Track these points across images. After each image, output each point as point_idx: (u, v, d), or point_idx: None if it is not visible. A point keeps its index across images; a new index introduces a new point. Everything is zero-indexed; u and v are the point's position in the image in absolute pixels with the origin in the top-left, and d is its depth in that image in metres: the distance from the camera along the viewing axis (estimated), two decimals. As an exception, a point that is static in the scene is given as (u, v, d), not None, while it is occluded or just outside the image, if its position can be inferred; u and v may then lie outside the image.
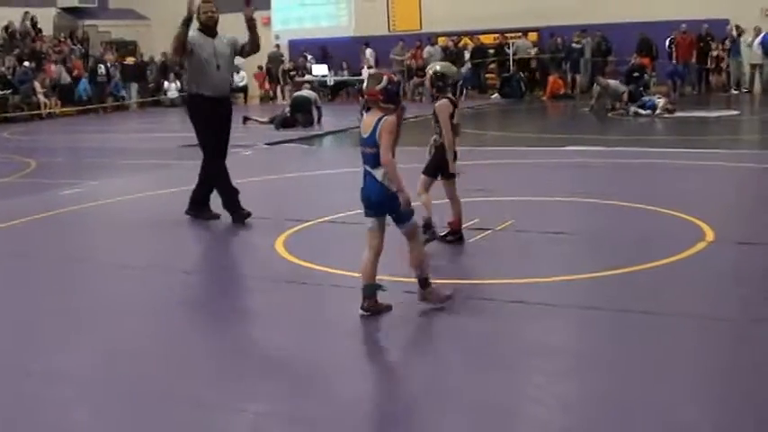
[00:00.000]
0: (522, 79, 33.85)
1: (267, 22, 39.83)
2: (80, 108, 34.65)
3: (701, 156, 15.47)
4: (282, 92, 36.49)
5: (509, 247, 9.21)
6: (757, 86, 31.09)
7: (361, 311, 6.94)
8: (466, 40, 36.04)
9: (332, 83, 35.69)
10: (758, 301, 7.08)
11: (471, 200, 11.38)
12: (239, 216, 10.93)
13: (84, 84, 35.17)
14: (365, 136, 6.93)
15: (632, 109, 24.46)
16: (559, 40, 34.32)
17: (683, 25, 31.23)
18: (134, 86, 37.65)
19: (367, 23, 37.27)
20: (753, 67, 31.22)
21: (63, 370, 6.11)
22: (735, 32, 31.08)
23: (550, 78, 33.20)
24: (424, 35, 36.16)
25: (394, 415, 5.26)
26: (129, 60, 38.10)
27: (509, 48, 34.59)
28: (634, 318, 6.68)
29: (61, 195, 13.63)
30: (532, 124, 26.17)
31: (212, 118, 10.91)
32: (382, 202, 6.92)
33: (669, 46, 31.71)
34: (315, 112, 25.37)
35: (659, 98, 25.19)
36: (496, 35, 35.58)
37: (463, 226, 9.45)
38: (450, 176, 9.18)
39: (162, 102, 37.73)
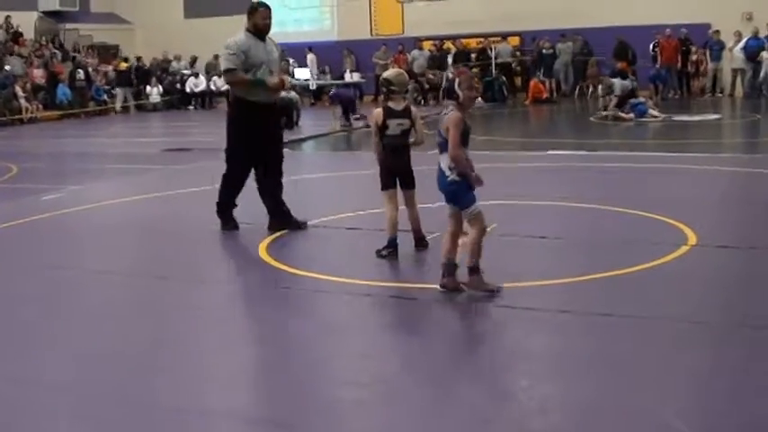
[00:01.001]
0: (505, 83, 33.90)
1: (250, 26, 39.89)
2: (62, 113, 34.54)
3: (684, 159, 15.53)
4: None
5: (492, 251, 9.16)
6: (738, 90, 31.24)
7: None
8: (449, 44, 36.12)
9: (314, 87, 35.70)
10: (739, 305, 7.12)
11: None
12: (230, 224, 10.83)
13: (62, 88, 35.06)
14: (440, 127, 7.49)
15: (611, 113, 24.48)
16: (541, 43, 34.41)
17: (668, 30, 31.36)
18: (128, 91, 37.64)
19: (350, 27, 37.35)
20: (734, 71, 31.37)
21: (43, 376, 6.08)
22: (716, 36, 31.27)
23: (531, 83, 33.27)
24: (406, 39, 36.21)
25: (379, 420, 5.25)
26: (123, 66, 38.07)
27: (491, 52, 34.63)
28: (616, 321, 6.70)
29: (43, 200, 13.58)
30: (515, 128, 26.23)
31: (256, 125, 10.48)
32: (444, 189, 7.52)
33: (653, 49, 31.84)
34: (294, 114, 25.40)
35: (648, 102, 25.24)
36: (479, 39, 35.66)
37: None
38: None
39: (145, 106, 37.67)
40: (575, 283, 7.86)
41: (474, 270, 7.41)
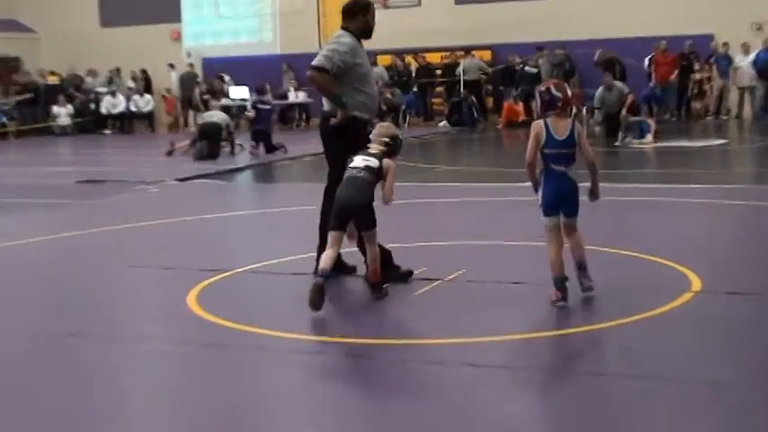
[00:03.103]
0: (474, 104, 33.93)
1: (177, 37, 39.76)
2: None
3: (685, 192, 15.61)
4: (195, 119, 36.49)
5: (461, 299, 9.18)
6: (747, 111, 31.34)
7: (560, 303, 8.52)
8: (409, 58, 36.18)
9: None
10: (754, 362, 7.11)
11: (417, 245, 11.40)
12: (398, 275, 9.95)
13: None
14: (562, 138, 8.65)
15: (627, 139, 24.47)
16: (518, 59, 34.41)
17: (663, 42, 31.41)
18: (62, 110, 37.36)
19: (294, 39, 37.30)
20: (741, 89, 31.46)
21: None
22: (721, 49, 31.34)
23: (505, 104, 33.36)
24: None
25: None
26: (53, 79, 37.83)
27: (459, 68, 34.69)
28: (607, 382, 6.69)
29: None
30: (486, 156, 26.32)
31: (360, 145, 9.67)
32: (575, 197, 8.77)
33: (648, 66, 31.83)
34: (228, 141, 25.30)
35: (650, 121, 25.42)
36: (444, 53, 35.75)
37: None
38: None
39: (53, 130, 37.40)
40: (557, 337, 7.86)
41: (584, 267, 8.84)
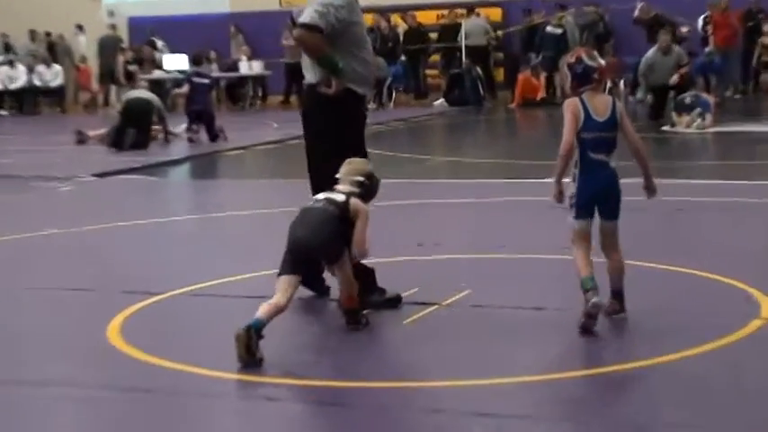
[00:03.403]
0: (480, 78, 33.89)
1: (97, -8, 39.76)
2: None
3: (752, 190, 15.66)
4: (118, 96, 36.54)
5: (463, 330, 9.19)
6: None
7: (594, 300, 8.53)
8: (396, 18, 36.21)
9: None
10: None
11: (407, 259, 11.38)
12: (383, 300, 10.00)
13: None
14: (602, 119, 8.82)
15: (689, 118, 24.49)
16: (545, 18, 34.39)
17: (724, -2, 31.47)
18: None
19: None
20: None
21: None
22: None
23: (520, 77, 33.35)
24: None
25: None
26: None
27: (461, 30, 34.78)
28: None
29: None
30: (494, 145, 26.36)
31: (354, 127, 10.00)
32: (617, 192, 8.94)
33: (703, 27, 31.83)
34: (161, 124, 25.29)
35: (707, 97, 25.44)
36: (441, 12, 35.82)
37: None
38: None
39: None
40: (587, 377, 7.86)
41: (620, 295, 9.03)
